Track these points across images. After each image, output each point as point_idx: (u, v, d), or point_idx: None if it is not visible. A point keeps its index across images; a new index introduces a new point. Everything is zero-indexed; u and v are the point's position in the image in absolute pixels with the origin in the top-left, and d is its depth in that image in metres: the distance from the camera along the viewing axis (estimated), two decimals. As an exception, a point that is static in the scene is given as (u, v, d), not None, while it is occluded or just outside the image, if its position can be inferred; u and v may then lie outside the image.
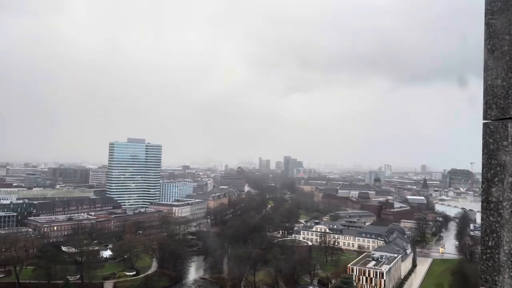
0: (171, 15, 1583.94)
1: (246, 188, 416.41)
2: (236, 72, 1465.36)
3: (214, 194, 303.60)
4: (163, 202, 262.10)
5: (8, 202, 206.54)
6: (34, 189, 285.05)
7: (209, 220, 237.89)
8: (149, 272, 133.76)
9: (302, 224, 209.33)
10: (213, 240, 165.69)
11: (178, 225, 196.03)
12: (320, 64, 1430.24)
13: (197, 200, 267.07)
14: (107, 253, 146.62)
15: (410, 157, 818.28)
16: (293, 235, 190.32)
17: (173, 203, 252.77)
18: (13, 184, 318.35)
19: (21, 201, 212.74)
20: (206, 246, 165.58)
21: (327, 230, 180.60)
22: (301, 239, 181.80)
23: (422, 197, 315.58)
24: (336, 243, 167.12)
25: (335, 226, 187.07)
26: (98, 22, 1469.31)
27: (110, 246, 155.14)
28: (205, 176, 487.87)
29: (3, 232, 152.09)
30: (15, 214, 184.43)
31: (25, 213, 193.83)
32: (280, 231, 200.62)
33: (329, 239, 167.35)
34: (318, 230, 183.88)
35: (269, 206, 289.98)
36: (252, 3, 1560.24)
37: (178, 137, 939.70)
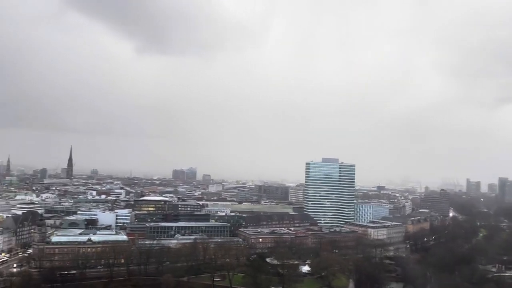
0: (358, 34, 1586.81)
1: (451, 213, 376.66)
2: (432, 86, 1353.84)
3: (413, 218, 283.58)
4: (357, 223, 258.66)
5: (223, 214, 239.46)
6: (243, 203, 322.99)
7: (408, 245, 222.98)
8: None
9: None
10: (413, 268, 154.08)
11: (374, 248, 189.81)
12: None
13: (394, 223, 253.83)
14: (305, 269, 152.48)
15: None
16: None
17: (368, 224, 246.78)
18: (227, 199, 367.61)
19: (233, 214, 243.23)
20: (405, 273, 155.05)
21: None
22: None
23: None
24: None
25: None
26: (289, 46, 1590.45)
27: (308, 262, 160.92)
28: (402, 197, 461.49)
29: (219, 240, 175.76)
30: (229, 225, 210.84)
31: (236, 224, 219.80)
32: (496, 265, 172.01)
33: None
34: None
35: (481, 235, 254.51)
36: (444, 8, 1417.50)
37: (372, 157, 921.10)
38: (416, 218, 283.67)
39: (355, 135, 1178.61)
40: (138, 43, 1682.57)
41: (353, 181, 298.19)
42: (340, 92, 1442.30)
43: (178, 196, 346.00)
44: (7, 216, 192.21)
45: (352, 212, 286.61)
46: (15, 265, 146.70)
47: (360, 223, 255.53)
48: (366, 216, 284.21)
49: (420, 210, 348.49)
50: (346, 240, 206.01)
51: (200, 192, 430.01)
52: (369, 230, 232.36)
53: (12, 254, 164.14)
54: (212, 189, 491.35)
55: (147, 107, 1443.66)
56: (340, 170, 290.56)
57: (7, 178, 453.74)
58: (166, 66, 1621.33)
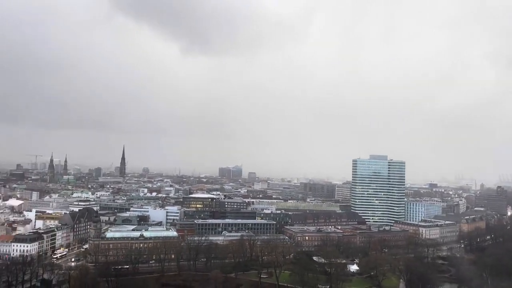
0: (404, 26, 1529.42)
1: (509, 211, 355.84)
2: (486, 78, 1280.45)
3: (467, 217, 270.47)
4: (408, 222, 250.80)
5: (269, 211, 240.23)
6: (289, 201, 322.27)
7: (462, 245, 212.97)
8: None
9: None
10: (468, 268, 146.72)
11: (426, 247, 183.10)
12: None
13: (447, 222, 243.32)
14: (354, 268, 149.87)
15: None
16: None
17: (419, 223, 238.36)
18: (273, 196, 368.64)
19: (279, 211, 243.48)
20: (459, 274, 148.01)
21: None
22: None
23: None
24: None
25: None
26: (332, 44, 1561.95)
27: (356, 261, 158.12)
28: (456, 195, 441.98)
29: (265, 237, 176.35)
30: (274, 222, 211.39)
31: (282, 222, 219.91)
32: None
33: None
34: None
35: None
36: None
37: (423, 153, 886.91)
38: (471, 217, 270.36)
39: (404, 131, 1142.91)
40: (183, 44, 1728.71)
41: (403, 179, 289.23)
42: (387, 87, 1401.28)
43: (225, 193, 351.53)
44: (65, 213, 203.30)
45: (402, 211, 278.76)
46: (73, 259, 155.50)
47: (411, 222, 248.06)
48: (417, 215, 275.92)
49: (476, 209, 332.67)
50: (396, 240, 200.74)
51: (245, 190, 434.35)
52: (421, 229, 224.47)
53: (70, 248, 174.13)
54: (257, 187, 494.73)
55: (193, 107, 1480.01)
56: (389, 168, 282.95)
57: (65, 177, 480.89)
58: (210, 66, 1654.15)
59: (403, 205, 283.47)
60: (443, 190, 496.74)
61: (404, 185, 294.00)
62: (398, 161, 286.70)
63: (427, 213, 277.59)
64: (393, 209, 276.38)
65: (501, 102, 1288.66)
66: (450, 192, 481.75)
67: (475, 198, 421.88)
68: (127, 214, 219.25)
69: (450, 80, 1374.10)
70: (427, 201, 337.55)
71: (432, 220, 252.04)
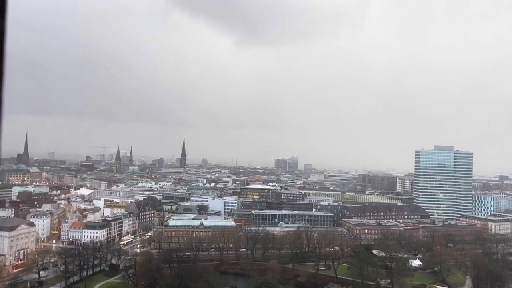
0: (470, 8, 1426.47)
1: None
2: None
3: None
4: (476, 216, 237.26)
5: (326, 203, 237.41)
6: (346, 193, 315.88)
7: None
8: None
9: None
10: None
11: (495, 243, 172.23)
12: None
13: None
14: (416, 263, 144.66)
15: None
16: None
17: (488, 218, 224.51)
18: (330, 188, 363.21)
19: (336, 204, 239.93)
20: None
21: None
22: None
23: None
24: None
25: None
26: (391, 30, 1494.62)
27: (419, 255, 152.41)
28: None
29: (323, 229, 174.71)
30: (332, 214, 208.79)
31: (340, 214, 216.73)
32: None
33: None
34: None
35: None
36: None
37: (493, 143, 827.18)
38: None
39: (471, 120, 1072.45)
40: (237, 37, 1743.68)
41: (471, 171, 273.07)
42: (452, 74, 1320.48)
43: (281, 185, 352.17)
44: (131, 202, 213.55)
45: (469, 204, 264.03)
46: (138, 246, 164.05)
47: (479, 216, 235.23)
48: (486, 209, 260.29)
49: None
50: (462, 234, 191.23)
51: (302, 181, 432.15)
52: (490, 223, 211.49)
53: (135, 235, 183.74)
54: (314, 178, 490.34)
55: (248, 99, 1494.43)
56: (455, 159, 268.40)
57: (130, 168, 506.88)
58: (264, 57, 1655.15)
59: (470, 199, 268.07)
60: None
61: (471, 177, 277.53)
62: (465, 152, 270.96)
63: (496, 207, 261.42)
64: (459, 202, 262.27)
65: None
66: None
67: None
68: (187, 203, 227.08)
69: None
70: (497, 194, 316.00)
71: (503, 214, 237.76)
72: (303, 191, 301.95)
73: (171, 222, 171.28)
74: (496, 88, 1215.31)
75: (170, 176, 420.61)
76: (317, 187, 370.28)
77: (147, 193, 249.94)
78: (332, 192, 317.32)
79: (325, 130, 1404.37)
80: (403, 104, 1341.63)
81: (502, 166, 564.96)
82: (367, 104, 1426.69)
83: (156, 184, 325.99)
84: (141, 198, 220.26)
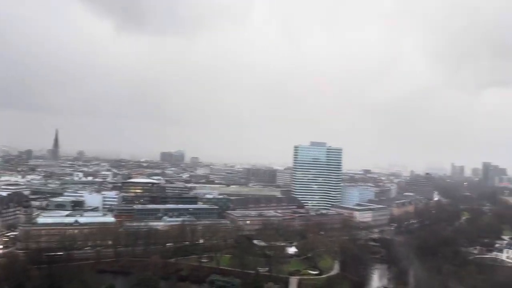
0: (343, 17, 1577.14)
1: (435, 197, 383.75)
2: (417, 70, 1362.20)
3: (398, 201, 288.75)
4: (344, 206, 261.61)
5: (211, 196, 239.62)
6: (231, 186, 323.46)
7: (392, 228, 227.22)
8: (332, 273, 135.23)
9: (506, 242, 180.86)
10: (397, 250, 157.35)
11: (359, 230, 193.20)
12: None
13: (379, 206, 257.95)
14: (292, 250, 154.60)
15: None
16: (493, 253, 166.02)
17: (354, 207, 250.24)
18: (215, 181, 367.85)
19: (221, 196, 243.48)
20: (389, 255, 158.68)
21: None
22: (504, 258, 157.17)
23: None
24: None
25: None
26: (278, 31, 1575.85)
27: (295, 243, 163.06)
28: (388, 181, 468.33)
29: (207, 222, 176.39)
30: (217, 207, 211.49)
31: (224, 207, 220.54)
32: (477, 248, 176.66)
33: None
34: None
35: (464, 218, 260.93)
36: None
37: (359, 141, 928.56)
38: (401, 201, 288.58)
39: (342, 120, 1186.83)
40: (117, 22, 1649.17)
41: (340, 165, 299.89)
42: (326, 75, 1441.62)
43: (166, 178, 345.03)
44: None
45: (339, 195, 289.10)
46: (1, 247, 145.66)
47: (347, 206, 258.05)
48: (352, 199, 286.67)
49: (405, 194, 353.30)
50: (332, 223, 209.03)
51: (188, 175, 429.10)
52: (355, 213, 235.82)
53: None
54: (200, 172, 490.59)
55: (132, 88, 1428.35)
56: (327, 154, 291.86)
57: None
58: (149, 46, 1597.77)
59: (340, 190, 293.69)
60: (376, 176, 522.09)
61: (341, 170, 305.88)
62: (335, 148, 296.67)
63: (361, 198, 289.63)
64: (330, 193, 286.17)
65: (431, 93, 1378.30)
66: (383, 178, 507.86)
67: (406, 183, 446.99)
68: (60, 199, 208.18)
69: (386, 70, 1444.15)
70: (362, 186, 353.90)
71: (366, 204, 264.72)
72: (189, 185, 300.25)
73: (41, 220, 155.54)
74: (365, 93, 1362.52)
75: (40, 169, 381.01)
76: (203, 181, 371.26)
77: (11, 188, 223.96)
78: (218, 185, 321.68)
79: (212, 124, 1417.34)
80: (286, 102, 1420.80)
81: (367, 161, 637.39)
82: (252, 101, 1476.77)
83: (22, 178, 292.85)
84: (4, 194, 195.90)
